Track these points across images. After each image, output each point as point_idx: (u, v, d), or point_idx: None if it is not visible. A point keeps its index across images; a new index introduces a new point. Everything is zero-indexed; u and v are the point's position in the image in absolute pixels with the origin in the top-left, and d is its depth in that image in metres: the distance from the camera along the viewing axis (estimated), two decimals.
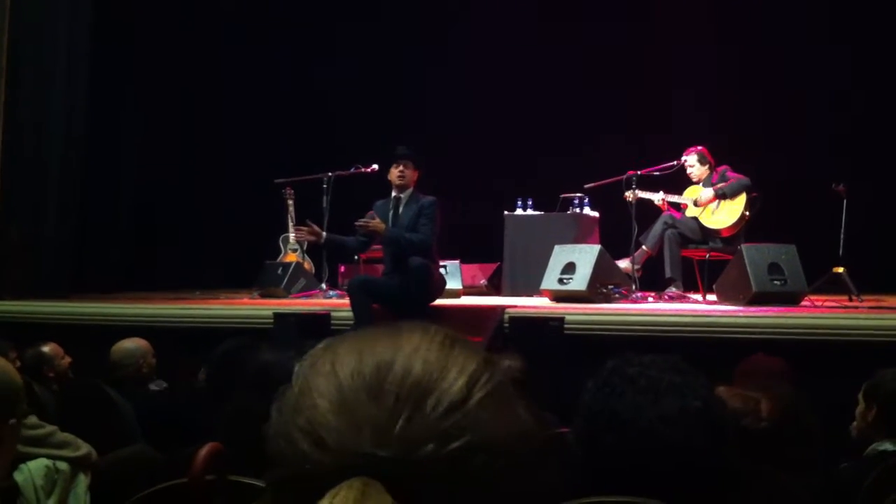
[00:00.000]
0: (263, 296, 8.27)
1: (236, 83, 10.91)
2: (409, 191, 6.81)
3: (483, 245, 9.03)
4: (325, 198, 8.26)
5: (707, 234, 7.78)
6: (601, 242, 7.99)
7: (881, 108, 9.30)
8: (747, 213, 7.67)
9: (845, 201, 7.24)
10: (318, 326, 6.44)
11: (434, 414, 0.84)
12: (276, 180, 9.27)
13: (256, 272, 8.79)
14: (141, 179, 10.27)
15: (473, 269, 9.00)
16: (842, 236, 7.13)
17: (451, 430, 0.84)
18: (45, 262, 8.53)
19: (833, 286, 7.03)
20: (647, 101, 9.80)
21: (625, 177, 7.66)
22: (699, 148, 7.98)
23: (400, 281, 6.54)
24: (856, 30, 9.46)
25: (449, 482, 0.83)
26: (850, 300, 6.87)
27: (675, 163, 7.90)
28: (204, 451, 1.91)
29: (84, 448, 3.09)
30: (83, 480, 3.05)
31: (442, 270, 7.25)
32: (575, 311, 6.33)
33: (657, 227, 7.74)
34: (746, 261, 6.72)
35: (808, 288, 6.80)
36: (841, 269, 7.00)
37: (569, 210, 8.62)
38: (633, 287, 7.38)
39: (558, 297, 7.23)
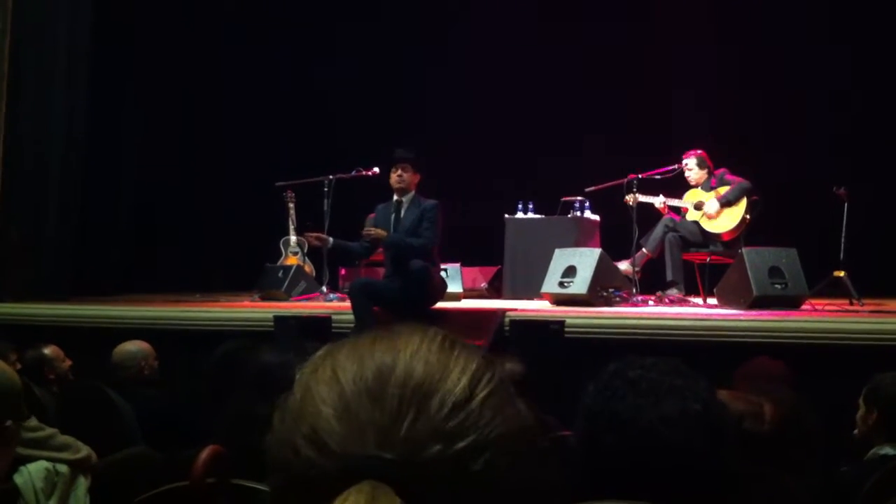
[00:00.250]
0: (264, 298, 8.27)
1: (236, 83, 10.92)
2: (411, 194, 6.81)
3: (484, 248, 9.03)
4: (326, 201, 8.26)
5: (708, 238, 7.79)
6: (602, 246, 7.99)
7: (881, 108, 9.30)
8: (748, 216, 7.67)
9: (846, 205, 7.24)
10: (318, 329, 6.44)
11: (439, 415, 0.84)
12: (277, 183, 9.28)
13: (257, 275, 8.79)
14: (141, 180, 10.28)
15: (474, 272, 9.01)
16: (842, 240, 7.13)
17: (457, 430, 0.84)
18: (46, 263, 8.53)
19: (834, 290, 7.02)
20: (647, 102, 9.80)
21: (625, 180, 7.66)
22: (699, 151, 7.98)
23: (401, 284, 6.54)
24: (856, 30, 9.47)
25: (455, 482, 0.83)
26: (851, 304, 6.87)
27: (675, 166, 7.90)
28: (205, 454, 1.91)
29: (84, 450, 3.08)
30: (83, 483, 3.04)
31: (442, 274, 7.24)
32: (575, 315, 6.33)
33: (658, 230, 7.74)
34: (747, 264, 6.72)
35: (809, 292, 6.80)
36: (842, 273, 7.00)
37: (569, 213, 8.62)
38: (634, 290, 7.38)
39: (559, 300, 7.23)
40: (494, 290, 8.85)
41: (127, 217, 10.20)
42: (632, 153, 8.59)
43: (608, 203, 8.36)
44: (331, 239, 6.87)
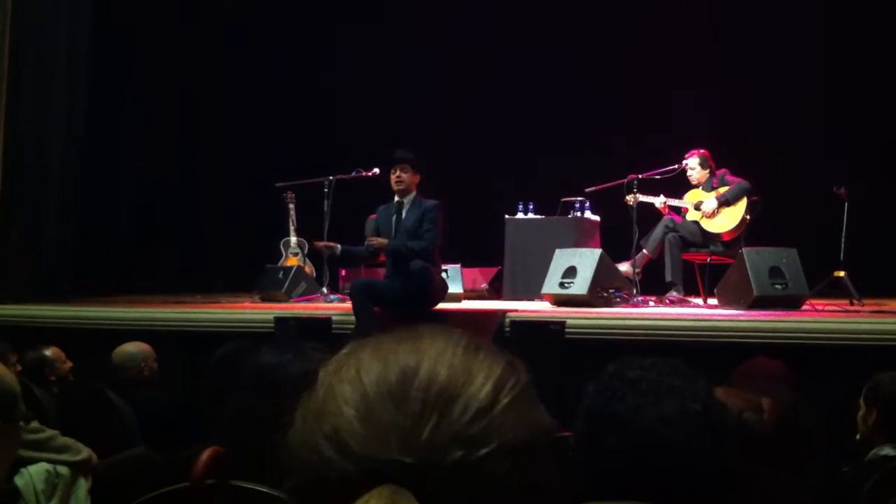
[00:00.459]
0: (264, 300, 8.26)
1: (236, 83, 10.92)
2: (412, 195, 6.80)
3: (484, 249, 9.02)
4: (326, 202, 8.25)
5: (708, 238, 7.78)
6: (602, 246, 7.98)
7: (881, 109, 9.30)
8: (748, 216, 7.67)
9: (846, 205, 7.24)
10: (319, 331, 6.44)
11: (462, 420, 0.84)
12: (277, 184, 9.28)
13: (257, 276, 8.78)
14: (141, 180, 10.29)
15: (474, 272, 9.00)
16: (843, 240, 7.13)
17: (479, 436, 0.84)
18: (46, 264, 8.54)
19: (834, 290, 7.02)
20: (647, 102, 9.80)
21: (626, 180, 7.65)
22: (701, 151, 7.98)
23: (401, 284, 6.54)
24: (856, 30, 9.47)
25: (476, 488, 0.83)
26: (852, 304, 6.87)
27: (676, 166, 7.90)
28: (205, 455, 1.91)
29: (84, 452, 3.09)
30: (83, 484, 3.05)
31: (443, 275, 7.24)
32: (576, 315, 6.33)
33: (658, 230, 7.74)
34: (747, 264, 6.72)
35: (810, 292, 6.80)
36: (842, 273, 6.99)
37: (570, 214, 8.61)
38: (634, 291, 7.38)
39: (559, 300, 7.23)
40: (495, 291, 8.85)
41: (127, 217, 10.20)
42: (632, 153, 8.60)
43: (608, 203, 8.36)
44: (339, 246, 6.87)
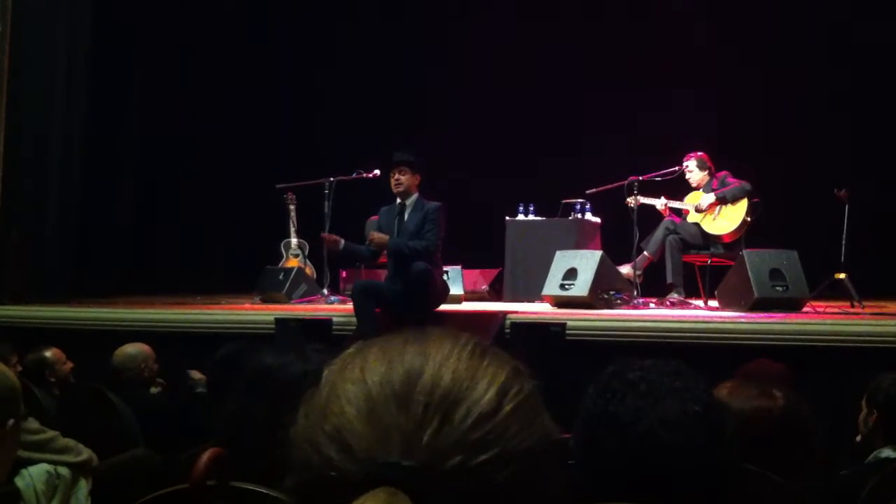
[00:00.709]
0: (265, 301, 8.26)
1: (236, 84, 10.92)
2: (414, 197, 6.81)
3: (485, 250, 9.02)
4: (326, 203, 8.25)
5: (708, 240, 7.78)
6: (603, 248, 7.99)
7: (882, 110, 9.30)
8: (749, 218, 7.67)
9: (847, 207, 7.23)
10: (319, 332, 6.44)
11: (463, 425, 0.83)
12: (278, 185, 9.28)
13: (257, 277, 8.79)
14: (141, 181, 10.29)
15: (475, 274, 9.00)
16: (843, 242, 7.12)
17: (480, 442, 0.83)
18: (46, 264, 8.54)
19: (835, 292, 7.02)
20: (647, 102, 9.81)
21: (626, 182, 7.66)
22: (699, 153, 7.99)
23: (402, 286, 6.55)
24: (856, 29, 9.47)
25: (475, 494, 0.82)
26: (852, 306, 6.86)
27: (676, 168, 7.91)
28: (205, 456, 1.91)
29: (85, 453, 3.08)
30: (84, 485, 3.04)
31: (444, 276, 7.24)
32: (576, 317, 6.33)
33: (659, 232, 7.74)
34: (748, 266, 6.72)
35: (810, 294, 6.80)
36: (842, 275, 6.99)
37: (570, 215, 8.62)
38: (635, 293, 7.38)
39: (560, 302, 7.23)
40: (495, 293, 8.85)
41: (127, 218, 10.20)
42: (632, 154, 8.60)
43: (609, 205, 8.36)
44: (342, 241, 6.87)
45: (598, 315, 6.63)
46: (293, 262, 9.33)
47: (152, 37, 10.23)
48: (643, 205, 7.75)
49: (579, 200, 8.54)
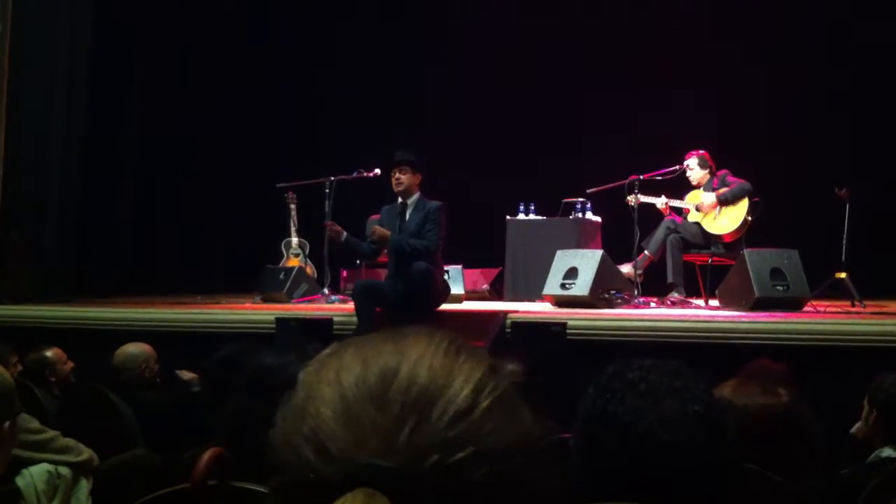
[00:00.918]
0: (265, 300, 8.27)
1: (236, 83, 10.92)
2: (415, 196, 6.81)
3: (485, 250, 9.02)
4: (327, 202, 8.25)
5: (709, 239, 7.78)
6: (603, 247, 7.98)
7: (882, 109, 9.30)
8: (749, 218, 7.67)
9: (847, 206, 7.23)
10: (320, 331, 6.44)
11: (440, 423, 0.83)
12: (278, 185, 9.28)
13: (258, 277, 8.79)
14: (141, 181, 10.29)
15: (475, 273, 9.00)
16: (844, 241, 7.12)
17: (457, 440, 0.82)
18: (46, 264, 8.54)
19: (835, 291, 7.02)
20: (647, 102, 9.81)
21: (627, 181, 7.66)
22: (700, 152, 7.99)
23: (403, 286, 6.55)
24: (856, 29, 9.47)
25: (453, 492, 0.82)
26: (853, 305, 6.87)
27: (676, 167, 7.90)
28: (206, 456, 1.91)
29: (86, 453, 3.09)
30: (84, 485, 3.05)
31: (444, 276, 7.24)
32: (577, 317, 6.33)
33: (659, 232, 7.74)
34: (749, 266, 6.72)
35: (811, 293, 6.80)
36: (843, 275, 6.99)
37: (571, 215, 8.62)
38: (636, 292, 7.38)
39: (560, 302, 7.22)
40: (496, 292, 8.85)
41: (127, 217, 10.20)
42: (632, 155, 8.60)
43: (609, 204, 8.36)
44: (345, 233, 6.86)
45: (598, 314, 6.63)
46: (294, 262, 9.34)
47: (152, 36, 10.24)
48: (644, 204, 7.74)
49: (580, 200, 8.55)
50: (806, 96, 9.65)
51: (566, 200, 8.66)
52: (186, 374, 5.19)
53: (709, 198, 7.78)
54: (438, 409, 0.84)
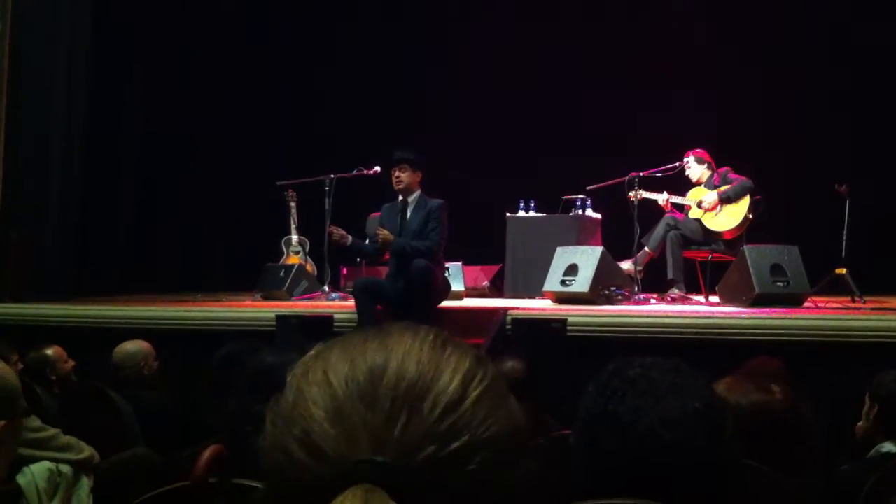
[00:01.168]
0: (266, 298, 8.27)
1: (236, 83, 10.92)
2: (416, 194, 6.80)
3: (485, 247, 9.03)
4: (327, 200, 8.25)
5: (710, 236, 7.78)
6: (603, 244, 7.98)
7: (882, 108, 9.30)
8: (750, 215, 7.66)
9: (848, 202, 7.23)
10: (320, 329, 6.44)
11: (431, 416, 0.84)
12: (278, 182, 9.28)
13: (258, 274, 8.79)
14: (141, 180, 10.29)
15: (476, 270, 9.01)
16: (844, 237, 7.12)
17: (450, 431, 0.83)
18: (46, 263, 8.54)
19: (836, 287, 7.02)
20: (647, 102, 9.81)
21: (627, 178, 7.65)
22: (698, 150, 8.01)
23: (404, 283, 6.55)
24: (856, 29, 9.46)
25: (450, 483, 0.83)
26: (853, 301, 6.86)
27: (676, 164, 7.90)
28: (206, 454, 1.91)
29: (87, 451, 3.09)
30: (85, 483, 3.05)
31: (445, 273, 7.24)
32: (577, 313, 6.33)
33: (659, 228, 7.74)
34: (749, 262, 6.72)
35: (811, 289, 6.80)
36: (843, 271, 6.99)
37: (571, 211, 8.62)
38: (636, 289, 7.38)
39: (561, 298, 7.22)
40: (496, 289, 8.85)
41: (127, 217, 10.20)
42: (632, 155, 8.59)
43: (610, 201, 8.36)
44: (350, 238, 6.86)
45: (598, 311, 6.63)
46: (294, 259, 9.34)
47: (152, 37, 10.23)
48: (644, 200, 7.74)
49: (580, 196, 8.55)
50: (806, 96, 9.64)
51: (566, 197, 8.66)
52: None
53: (711, 196, 7.77)
54: (429, 402, 0.85)
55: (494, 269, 9.01)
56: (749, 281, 6.68)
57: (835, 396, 4.28)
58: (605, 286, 7.13)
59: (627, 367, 1.67)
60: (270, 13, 11.37)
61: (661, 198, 7.94)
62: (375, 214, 7.47)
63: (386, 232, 6.72)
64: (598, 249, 7.40)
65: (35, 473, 2.82)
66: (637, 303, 7.18)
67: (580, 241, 8.08)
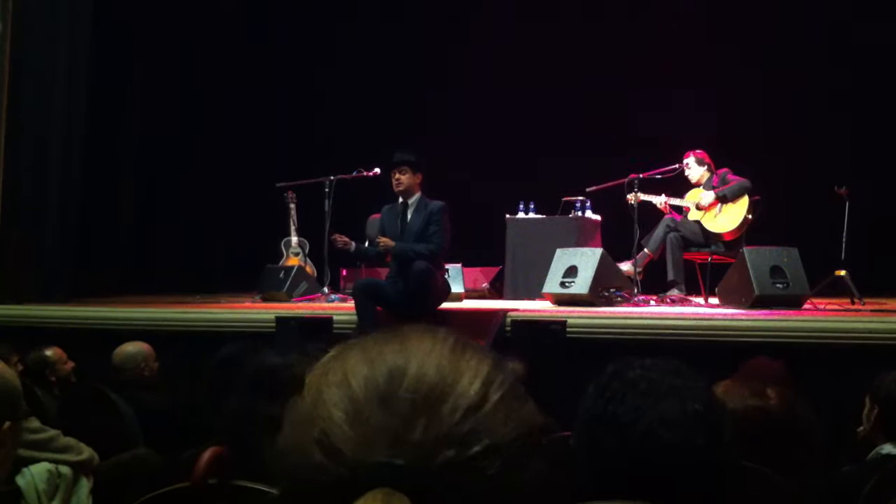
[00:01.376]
0: (265, 300, 8.26)
1: (236, 83, 10.92)
2: (416, 196, 6.79)
3: (485, 248, 9.02)
4: (326, 201, 8.25)
5: (709, 238, 7.78)
6: (603, 246, 7.98)
7: (882, 108, 9.30)
8: (750, 216, 7.66)
9: (847, 204, 7.23)
10: (320, 330, 6.44)
11: (451, 419, 0.84)
12: (278, 184, 9.28)
13: (258, 276, 8.79)
14: (141, 180, 10.29)
15: (475, 272, 9.01)
16: (844, 239, 7.12)
17: (470, 435, 0.83)
18: (46, 264, 8.54)
19: (835, 289, 7.02)
20: (647, 102, 9.81)
21: (626, 180, 7.66)
22: (698, 151, 8.00)
23: (404, 285, 6.54)
24: (856, 29, 9.47)
25: (470, 486, 0.82)
26: (853, 303, 6.86)
27: (676, 166, 7.90)
28: (206, 455, 1.91)
29: (86, 452, 3.09)
30: (85, 484, 3.05)
31: (445, 275, 7.23)
32: (577, 315, 6.33)
33: (659, 230, 7.74)
34: (748, 264, 6.72)
35: (811, 291, 6.80)
36: (843, 272, 6.99)
37: (570, 213, 8.62)
38: (635, 290, 7.38)
39: (560, 300, 7.22)
40: (496, 291, 8.85)
41: (127, 217, 10.20)
42: (632, 155, 8.59)
43: (609, 203, 8.36)
44: (353, 244, 6.86)
45: (598, 313, 6.62)
46: (294, 261, 9.34)
47: (152, 37, 10.24)
48: (644, 202, 7.74)
49: (579, 198, 8.55)
50: (806, 97, 9.64)
51: (566, 199, 8.66)
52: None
53: (708, 196, 7.78)
54: (449, 405, 0.84)
55: (494, 270, 9.01)
56: (749, 282, 6.68)
57: (834, 398, 4.28)
58: (605, 288, 7.13)
59: (627, 369, 1.67)
60: (270, 13, 11.36)
61: (659, 200, 7.94)
62: (375, 216, 7.46)
63: (386, 239, 6.72)
64: (598, 251, 7.40)
65: (35, 474, 2.82)
66: (637, 304, 7.18)
67: (580, 243, 8.08)
